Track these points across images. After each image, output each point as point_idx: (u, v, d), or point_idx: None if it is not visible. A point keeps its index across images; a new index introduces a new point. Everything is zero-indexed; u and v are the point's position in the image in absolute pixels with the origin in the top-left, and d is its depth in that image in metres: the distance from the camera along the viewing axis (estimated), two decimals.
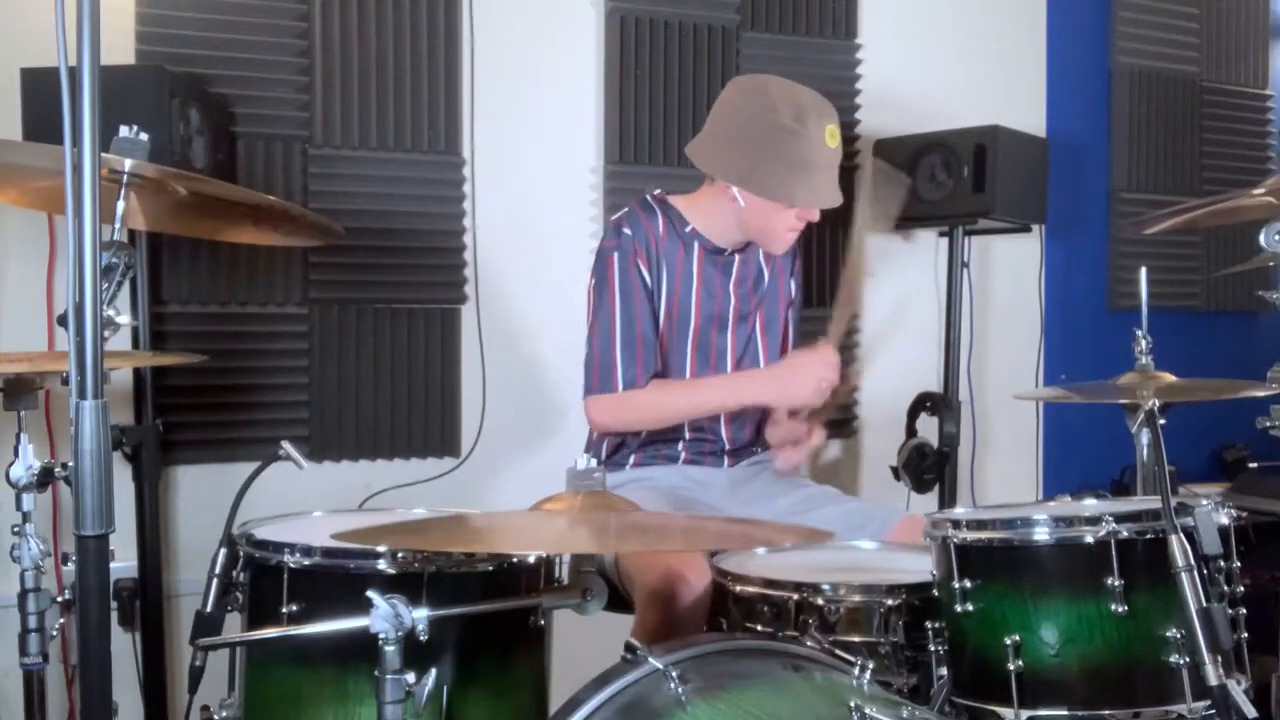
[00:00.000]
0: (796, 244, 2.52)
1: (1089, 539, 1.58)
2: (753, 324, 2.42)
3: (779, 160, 2.19)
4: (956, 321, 3.27)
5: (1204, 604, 1.48)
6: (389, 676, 1.31)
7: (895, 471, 3.14)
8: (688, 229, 2.34)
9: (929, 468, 3.12)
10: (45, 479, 1.75)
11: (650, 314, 2.26)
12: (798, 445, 2.37)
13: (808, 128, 2.18)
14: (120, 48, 2.60)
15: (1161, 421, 1.68)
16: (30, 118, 2.30)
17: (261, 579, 1.59)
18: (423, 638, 1.32)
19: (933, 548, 1.70)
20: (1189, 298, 3.90)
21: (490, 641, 1.54)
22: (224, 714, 1.58)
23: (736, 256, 2.39)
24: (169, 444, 2.66)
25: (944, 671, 1.67)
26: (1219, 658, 1.48)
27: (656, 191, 2.39)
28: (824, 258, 3.26)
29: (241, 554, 1.61)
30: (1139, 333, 2.16)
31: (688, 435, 2.37)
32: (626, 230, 2.28)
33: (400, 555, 1.50)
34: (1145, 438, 2.12)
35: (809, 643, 1.64)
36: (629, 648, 1.41)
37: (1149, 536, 1.57)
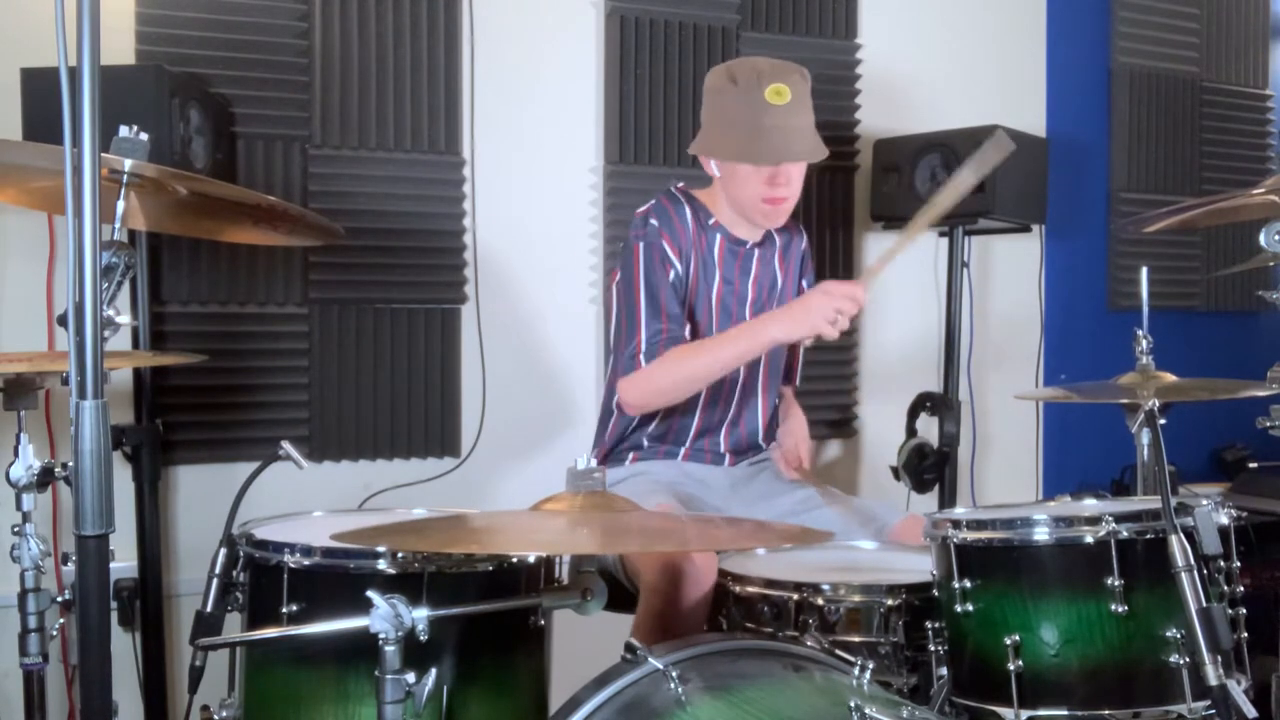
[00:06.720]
0: (809, 250, 2.52)
1: (1089, 539, 1.58)
2: None
3: (725, 121, 2.25)
4: (956, 321, 3.27)
5: (1204, 604, 1.48)
6: (389, 676, 1.31)
7: (895, 471, 3.14)
8: (711, 221, 2.36)
9: (929, 468, 3.12)
10: (45, 479, 1.75)
11: (675, 297, 2.27)
12: (793, 463, 2.46)
13: (746, 87, 2.21)
14: (120, 48, 2.60)
15: (1161, 421, 1.68)
16: (30, 118, 2.30)
17: (261, 579, 1.59)
18: (423, 638, 1.32)
19: (933, 548, 1.70)
20: (1189, 298, 3.90)
21: (490, 641, 1.54)
22: (224, 714, 1.59)
23: (756, 250, 2.41)
24: (169, 444, 2.66)
25: (944, 671, 1.67)
26: (1219, 658, 1.48)
27: (680, 184, 2.41)
28: (824, 258, 3.27)
29: (241, 554, 1.61)
30: (1139, 332, 2.16)
31: (689, 441, 2.38)
32: (653, 221, 2.29)
33: (400, 555, 1.50)
34: (1145, 438, 2.12)
35: (809, 643, 1.64)
36: (629, 648, 1.41)
37: (1149, 536, 1.57)
